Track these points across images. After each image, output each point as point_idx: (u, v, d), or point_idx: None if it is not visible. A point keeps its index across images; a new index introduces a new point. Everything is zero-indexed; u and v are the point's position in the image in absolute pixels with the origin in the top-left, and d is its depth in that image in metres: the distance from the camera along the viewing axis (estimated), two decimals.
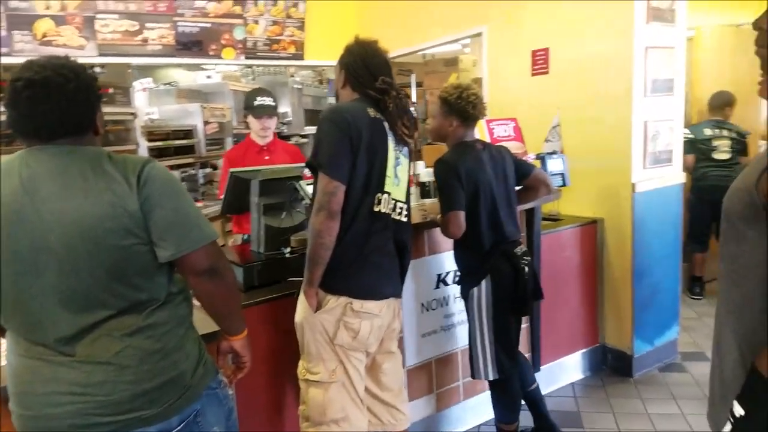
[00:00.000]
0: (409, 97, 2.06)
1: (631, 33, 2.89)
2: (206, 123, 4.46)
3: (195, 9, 4.43)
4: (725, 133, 4.22)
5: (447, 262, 2.66)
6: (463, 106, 2.26)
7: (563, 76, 3.28)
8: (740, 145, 4.21)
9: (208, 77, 5.02)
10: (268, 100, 3.06)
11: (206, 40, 4.52)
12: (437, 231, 2.58)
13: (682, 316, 3.53)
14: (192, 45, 4.43)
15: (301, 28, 4.85)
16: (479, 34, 3.74)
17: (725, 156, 4.18)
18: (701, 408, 2.80)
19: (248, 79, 5.36)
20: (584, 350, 3.29)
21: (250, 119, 3.08)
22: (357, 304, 1.84)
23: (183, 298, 1.41)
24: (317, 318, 1.83)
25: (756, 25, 0.91)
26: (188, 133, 4.39)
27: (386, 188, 1.90)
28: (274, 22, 4.79)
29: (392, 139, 1.92)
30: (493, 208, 2.27)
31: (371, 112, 1.88)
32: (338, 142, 1.78)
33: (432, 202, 2.96)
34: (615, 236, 3.20)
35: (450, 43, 4.14)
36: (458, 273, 2.45)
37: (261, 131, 3.07)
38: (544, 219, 3.17)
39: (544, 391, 3.08)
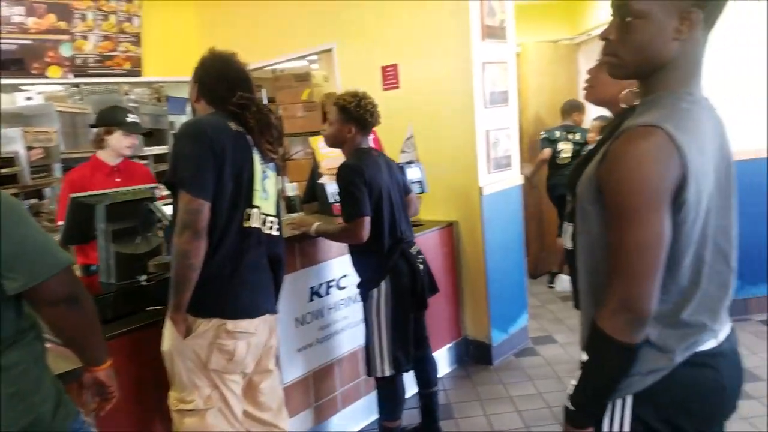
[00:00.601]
0: (272, 111, 2.03)
1: (469, 50, 3.17)
2: (30, 149, 3.97)
3: (12, 24, 3.94)
4: (569, 137, 4.72)
5: (320, 273, 2.67)
6: (362, 114, 2.33)
7: (413, 90, 3.48)
8: (580, 148, 4.74)
9: (29, 98, 4.47)
10: (134, 117, 2.92)
11: (28, 57, 4.05)
12: (309, 244, 2.59)
13: (530, 304, 3.91)
14: (11, 64, 3.94)
15: (137, 43, 4.56)
16: (329, 50, 3.82)
17: (566, 160, 4.67)
18: (555, 386, 3.15)
19: (75, 99, 4.87)
20: (450, 344, 3.50)
21: (117, 136, 2.82)
22: (231, 324, 1.76)
23: (35, 335, 1.27)
24: (187, 344, 1.73)
25: (602, 35, 1.05)
26: (9, 161, 3.87)
27: (255, 203, 1.86)
28: (106, 38, 4.45)
29: (257, 153, 1.89)
30: (392, 211, 2.37)
31: (233, 125, 1.83)
32: (200, 158, 1.71)
33: (299, 216, 2.96)
34: (469, 236, 3.46)
35: (299, 58, 4.17)
36: (358, 276, 2.49)
37: (128, 149, 2.88)
38: None
39: (416, 389, 3.22)
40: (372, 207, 2.28)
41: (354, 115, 2.33)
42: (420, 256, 2.49)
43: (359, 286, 2.46)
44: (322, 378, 2.69)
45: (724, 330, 1.09)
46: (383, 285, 2.35)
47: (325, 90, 4.37)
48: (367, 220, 2.25)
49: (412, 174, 3.13)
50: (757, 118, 3.63)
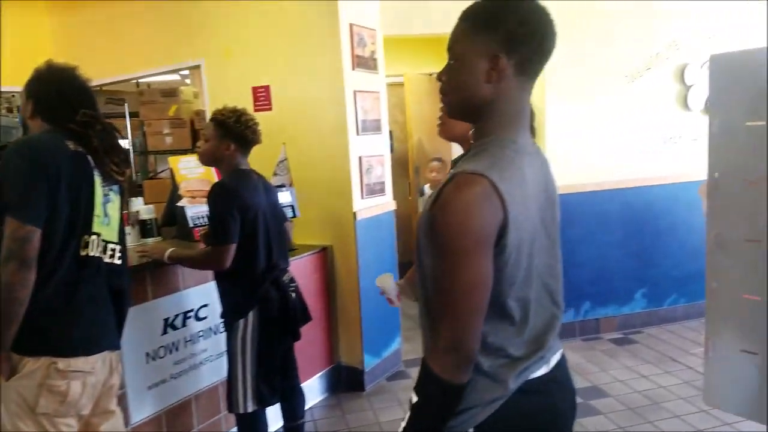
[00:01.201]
0: (117, 130, 1.88)
1: (341, 77, 3.18)
2: None
3: None
4: None
5: (175, 304, 2.48)
6: (242, 130, 2.20)
7: (286, 113, 3.42)
8: None
9: None
10: None
11: None
12: (163, 272, 2.41)
13: (403, 327, 3.96)
14: None
15: None
16: (197, 66, 3.66)
17: None
18: None
19: None
20: (322, 372, 3.42)
21: None
22: (62, 363, 1.59)
23: None
24: (11, 387, 1.55)
25: (438, 77, 1.09)
26: None
27: (95, 229, 1.69)
28: None
29: (98, 174, 1.72)
30: (267, 237, 2.26)
31: (71, 145, 1.66)
32: (31, 180, 1.54)
33: (155, 241, 2.75)
34: (343, 261, 3.43)
35: (167, 73, 3.96)
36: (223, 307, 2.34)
37: None
38: None
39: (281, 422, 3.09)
40: (247, 232, 2.16)
41: (233, 132, 2.20)
42: (292, 284, 2.40)
43: (224, 315, 2.31)
44: (176, 416, 2.49)
45: (555, 357, 1.14)
46: (251, 315, 2.22)
47: (194, 107, 4.17)
48: (233, 248, 2.13)
49: (284, 198, 3.05)
50: (602, 152, 4.00)
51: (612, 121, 3.96)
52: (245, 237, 2.16)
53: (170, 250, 2.23)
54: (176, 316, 2.49)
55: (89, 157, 1.70)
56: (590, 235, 3.99)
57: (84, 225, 1.67)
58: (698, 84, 4.01)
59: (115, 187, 1.82)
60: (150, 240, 2.73)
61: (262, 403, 2.27)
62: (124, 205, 1.94)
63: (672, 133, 4.06)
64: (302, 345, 3.20)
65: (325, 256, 3.43)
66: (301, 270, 3.26)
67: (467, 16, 1.03)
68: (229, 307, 2.30)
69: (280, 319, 2.29)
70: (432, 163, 4.55)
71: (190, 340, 2.56)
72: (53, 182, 1.56)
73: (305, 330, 3.22)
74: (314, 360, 3.36)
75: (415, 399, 1.03)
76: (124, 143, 4.58)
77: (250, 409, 2.24)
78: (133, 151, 4.67)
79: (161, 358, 2.43)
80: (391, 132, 5.61)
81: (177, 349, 2.50)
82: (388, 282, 2.03)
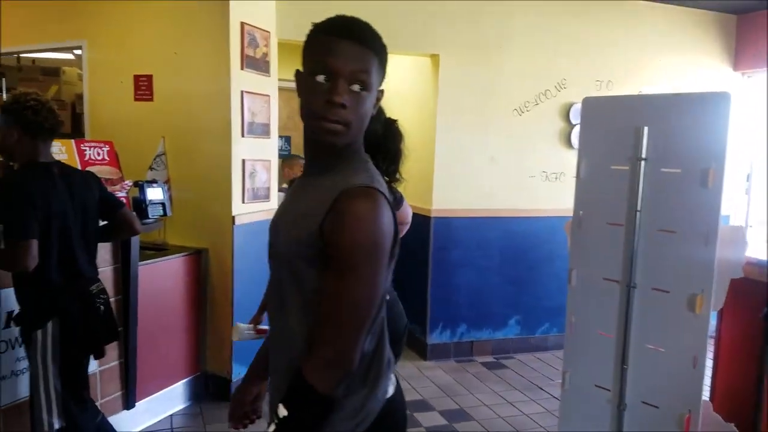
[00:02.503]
0: None
1: (228, 75, 3.10)
2: None
3: None
4: None
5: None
6: (21, 112, 1.95)
7: (169, 105, 3.29)
8: None
9: None
10: None
11: None
12: None
13: None
14: None
15: None
16: (79, 47, 3.45)
17: None
18: None
19: None
20: (186, 380, 3.27)
21: None
22: None
23: None
24: None
25: (340, 101, 1.05)
26: None
27: None
28: None
29: None
30: (66, 241, 2.04)
31: None
32: None
33: None
34: (218, 266, 3.32)
35: (47, 50, 3.71)
36: (17, 312, 2.12)
37: None
38: (146, 248, 3.07)
39: (138, 428, 2.92)
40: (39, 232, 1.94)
41: (14, 116, 1.96)
42: (102, 296, 2.18)
43: (17, 321, 2.10)
44: None
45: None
46: (50, 326, 2.02)
47: (78, 90, 3.92)
48: (34, 244, 1.89)
49: (153, 194, 2.93)
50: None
51: (499, 151, 4.12)
52: (40, 238, 1.94)
53: None
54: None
55: None
56: (470, 259, 4.11)
57: None
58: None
59: None
60: None
61: (71, 418, 2.09)
62: None
63: (555, 168, 4.27)
64: (161, 352, 3.08)
65: (198, 259, 3.30)
66: (170, 271, 3.13)
67: (378, 50, 1.04)
68: (23, 315, 2.08)
69: (82, 334, 2.09)
70: (294, 160, 4.36)
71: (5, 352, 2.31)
72: None
73: (167, 335, 3.11)
74: (176, 367, 3.21)
75: (283, 413, 0.98)
76: None
77: (56, 426, 2.06)
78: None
79: None
80: (289, 137, 5.57)
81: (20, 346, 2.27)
82: (242, 333, 2.01)
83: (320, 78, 0.98)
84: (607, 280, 2.51)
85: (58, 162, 2.16)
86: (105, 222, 2.28)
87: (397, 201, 1.97)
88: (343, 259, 0.95)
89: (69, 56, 4.32)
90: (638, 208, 2.42)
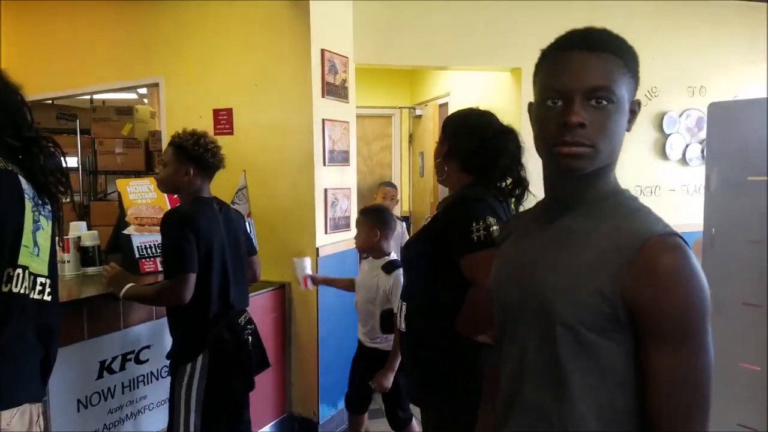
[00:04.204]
0: (58, 145, 1.67)
1: (310, 104, 3.02)
2: None
3: None
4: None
5: (114, 344, 2.21)
6: (201, 153, 2.02)
7: (249, 137, 3.22)
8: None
9: None
10: None
11: None
12: (101, 307, 2.15)
13: None
14: None
15: None
16: (156, 84, 3.44)
17: None
18: None
19: None
20: (272, 423, 3.15)
21: None
22: None
23: None
24: None
25: (573, 121, 0.87)
26: None
27: (21, 261, 1.45)
28: None
29: (30, 198, 1.49)
30: (224, 272, 2.05)
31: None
32: None
33: (96, 270, 2.47)
34: (302, 300, 3.21)
35: (124, 90, 3.72)
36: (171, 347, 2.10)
37: None
38: None
39: None
40: (200, 266, 1.96)
41: (191, 155, 2.03)
42: (249, 327, 2.18)
43: (169, 356, 2.07)
44: None
45: None
46: (200, 359, 1.99)
47: (150, 128, 3.92)
48: (192, 277, 1.92)
49: None
50: None
51: None
52: (199, 271, 1.97)
53: (128, 286, 2.00)
54: (114, 358, 2.21)
55: (20, 177, 1.47)
56: None
57: (9, 256, 1.42)
58: (677, 133, 4.04)
59: (47, 210, 1.59)
60: (91, 269, 2.45)
61: None
62: (58, 231, 1.70)
63: (649, 182, 4.04)
64: (252, 393, 2.96)
65: (282, 294, 3.20)
66: (254, 308, 3.01)
67: (621, 52, 0.93)
68: (175, 348, 2.07)
69: (233, 366, 2.06)
70: (388, 188, 4.16)
71: (128, 386, 2.28)
72: None
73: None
74: (264, 409, 3.08)
75: None
76: (72, 161, 4.26)
77: None
78: (82, 170, 4.35)
79: (94, 405, 2.14)
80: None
81: (112, 396, 2.21)
82: (304, 263, 2.45)
83: (550, 103, 0.86)
84: (749, 305, 2.28)
85: (216, 198, 2.20)
86: None
87: None
88: (675, 329, 0.78)
89: (133, 96, 4.36)
90: None
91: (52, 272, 1.60)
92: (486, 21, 3.68)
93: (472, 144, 1.60)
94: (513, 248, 1.00)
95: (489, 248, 1.37)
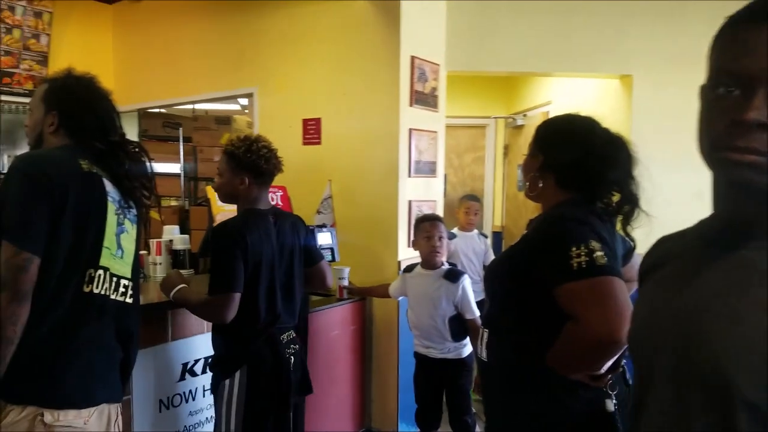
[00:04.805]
0: (145, 151, 1.71)
1: (397, 113, 2.96)
2: None
3: None
4: None
5: (196, 348, 2.25)
6: (254, 160, 1.95)
7: (335, 147, 3.22)
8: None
9: None
10: None
11: None
12: (184, 311, 2.18)
13: None
14: None
15: (43, 63, 4.12)
16: (251, 95, 3.54)
17: None
18: None
19: None
20: None
21: None
22: (50, 415, 1.37)
23: None
24: None
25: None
26: None
27: (103, 262, 1.49)
28: (7, 52, 4.00)
29: (114, 201, 1.53)
30: (271, 287, 1.97)
31: (84, 164, 1.48)
32: (32, 201, 1.35)
33: (188, 273, 2.55)
34: (383, 314, 3.14)
35: (222, 99, 3.88)
36: (212, 359, 2.07)
37: None
38: (312, 294, 2.98)
39: None
40: (246, 280, 1.88)
41: (245, 163, 1.96)
42: (293, 346, 2.05)
43: (211, 369, 2.03)
44: None
45: None
46: (237, 375, 1.91)
47: None
48: (237, 297, 1.84)
49: (323, 239, 2.82)
50: None
51: (706, 185, 3.48)
52: (244, 286, 1.88)
53: (179, 287, 1.96)
54: (197, 361, 2.26)
55: (105, 180, 1.52)
56: None
57: (90, 257, 1.46)
58: None
59: (132, 214, 1.63)
60: (184, 272, 2.54)
61: None
62: (143, 235, 1.74)
63: None
64: (327, 406, 2.93)
65: (362, 306, 3.15)
66: (334, 320, 3.00)
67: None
68: (215, 362, 2.01)
69: (270, 384, 1.94)
70: (470, 202, 3.96)
71: (209, 389, 2.31)
72: (57, 206, 1.36)
73: (333, 387, 2.95)
74: (341, 423, 3.04)
75: None
76: (176, 168, 4.52)
77: None
78: (184, 176, 4.61)
79: (176, 407, 2.19)
80: (446, 176, 5.37)
81: (194, 398, 2.26)
82: (343, 273, 2.59)
83: (722, 90, 0.65)
84: None
85: (274, 208, 2.14)
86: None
87: (627, 252, 1.48)
88: None
89: (236, 106, 4.54)
90: None
91: (135, 275, 1.64)
92: (592, 24, 3.42)
93: (574, 155, 1.38)
94: (666, 286, 0.74)
95: (591, 277, 1.18)
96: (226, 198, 2.10)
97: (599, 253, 1.19)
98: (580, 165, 1.37)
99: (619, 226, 1.37)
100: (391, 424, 3.11)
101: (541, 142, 1.47)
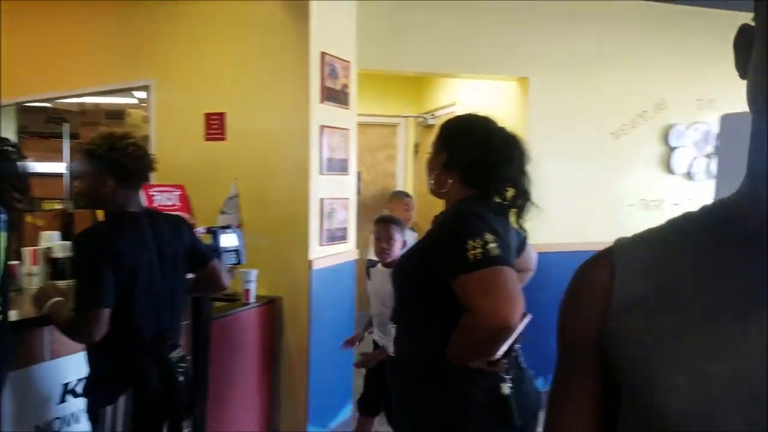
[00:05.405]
0: (18, 149, 1.51)
1: (308, 109, 2.86)
2: None
3: None
4: None
5: (79, 365, 2.02)
6: (119, 159, 1.71)
7: (242, 143, 3.05)
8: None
9: None
10: None
11: None
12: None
13: (356, 392, 3.54)
14: None
15: None
16: (147, 87, 3.28)
17: None
18: None
19: None
20: None
21: None
22: None
23: None
24: None
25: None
26: None
27: None
28: None
29: None
30: (151, 300, 1.76)
31: None
32: None
33: (67, 284, 2.30)
34: (293, 315, 3.03)
35: (115, 92, 3.57)
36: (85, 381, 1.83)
37: None
38: (216, 299, 2.81)
39: None
40: (120, 293, 1.67)
41: (108, 163, 1.71)
42: (182, 365, 1.86)
43: (85, 393, 1.79)
44: None
45: None
46: (122, 401, 1.70)
47: (143, 132, 3.76)
48: (105, 313, 1.62)
49: (227, 241, 2.67)
50: None
51: (594, 179, 3.75)
52: (118, 299, 1.67)
53: (52, 301, 1.72)
54: (80, 380, 2.03)
55: None
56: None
57: None
58: (683, 147, 3.88)
59: (2, 222, 1.43)
60: (62, 283, 2.28)
61: None
62: (13, 242, 1.53)
63: (654, 195, 3.87)
64: (231, 414, 2.78)
65: (272, 309, 3.02)
66: (241, 325, 2.85)
67: None
68: (92, 385, 1.76)
69: (161, 409, 1.76)
70: (407, 199, 4.13)
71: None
72: None
73: (238, 393, 2.81)
74: (248, 426, 2.90)
75: None
76: (62, 167, 4.11)
77: None
78: (71, 177, 4.20)
79: None
80: (359, 173, 5.33)
81: (78, 422, 2.03)
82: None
83: None
84: None
85: (147, 209, 1.93)
86: (192, 275, 2.01)
87: (521, 243, 1.56)
88: None
89: (133, 100, 4.21)
90: None
91: (3, 288, 1.45)
92: (494, 29, 3.52)
93: (476, 153, 1.43)
94: (710, 329, 0.49)
95: (485, 268, 1.23)
96: (89, 203, 1.90)
97: (493, 245, 1.26)
98: (481, 162, 1.43)
99: (513, 219, 1.46)
100: (300, 425, 3.01)
101: (445, 140, 1.52)
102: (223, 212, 2.94)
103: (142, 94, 3.91)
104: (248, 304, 2.83)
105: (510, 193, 1.45)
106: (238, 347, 2.82)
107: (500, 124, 1.50)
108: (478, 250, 1.24)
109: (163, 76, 3.27)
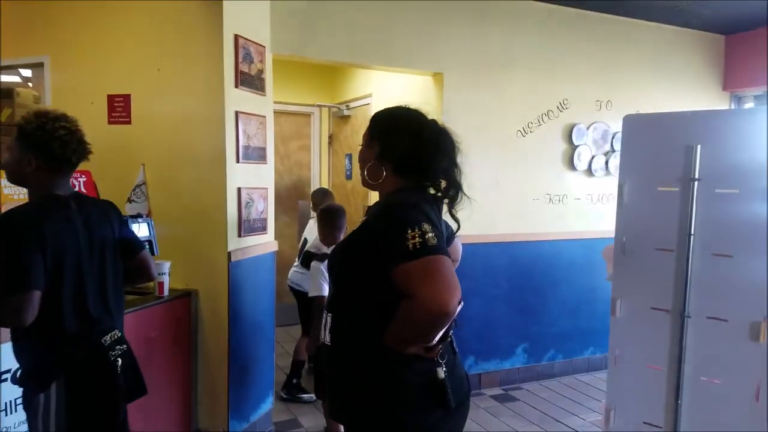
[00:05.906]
0: None
1: (222, 94, 2.74)
2: None
3: None
4: None
5: (8, 356, 1.85)
6: (46, 141, 1.63)
7: (149, 128, 2.88)
8: None
9: None
10: None
11: None
12: None
13: (277, 383, 3.50)
14: None
15: None
16: (40, 65, 3.00)
17: None
18: None
19: None
20: None
21: None
22: None
23: None
24: None
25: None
26: None
27: None
28: None
29: None
30: (79, 286, 1.68)
31: None
32: None
33: None
34: (210, 309, 2.92)
35: (4, 69, 3.23)
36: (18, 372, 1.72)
37: None
38: (127, 292, 2.64)
39: None
40: (48, 278, 1.59)
41: (33, 142, 1.64)
42: (119, 347, 1.79)
43: (20, 384, 1.71)
44: None
45: None
46: (54, 388, 1.63)
47: None
48: (35, 296, 1.55)
49: (139, 231, 2.52)
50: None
51: (503, 174, 3.92)
52: (46, 285, 1.60)
53: None
54: (8, 370, 1.89)
55: None
56: (476, 287, 3.85)
57: None
58: (584, 145, 4.15)
59: None
60: None
61: None
62: None
63: (558, 190, 4.11)
64: (152, 409, 2.64)
65: (188, 303, 2.90)
66: (154, 319, 2.71)
67: None
68: (24, 376, 1.70)
69: (96, 394, 1.71)
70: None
71: (3, 410, 1.93)
72: None
73: (154, 391, 2.66)
74: (166, 426, 2.77)
75: None
76: None
77: None
78: None
79: None
80: None
81: (8, 413, 1.89)
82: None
83: None
84: (656, 310, 2.39)
85: (76, 193, 1.81)
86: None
87: (449, 235, 1.62)
88: None
89: (18, 78, 3.83)
90: (691, 231, 2.28)
91: None
92: (410, 23, 3.56)
93: (409, 144, 1.46)
94: None
95: (425, 256, 1.27)
96: (13, 179, 1.76)
97: (430, 235, 1.30)
98: (414, 154, 1.46)
99: (445, 209, 1.51)
100: (221, 422, 2.93)
101: (378, 131, 1.53)
102: (130, 200, 2.78)
103: (29, 73, 3.57)
104: (162, 297, 2.69)
105: (443, 184, 1.49)
106: (152, 343, 2.68)
107: (426, 115, 1.53)
108: (417, 240, 1.28)
109: (59, 53, 3.01)
